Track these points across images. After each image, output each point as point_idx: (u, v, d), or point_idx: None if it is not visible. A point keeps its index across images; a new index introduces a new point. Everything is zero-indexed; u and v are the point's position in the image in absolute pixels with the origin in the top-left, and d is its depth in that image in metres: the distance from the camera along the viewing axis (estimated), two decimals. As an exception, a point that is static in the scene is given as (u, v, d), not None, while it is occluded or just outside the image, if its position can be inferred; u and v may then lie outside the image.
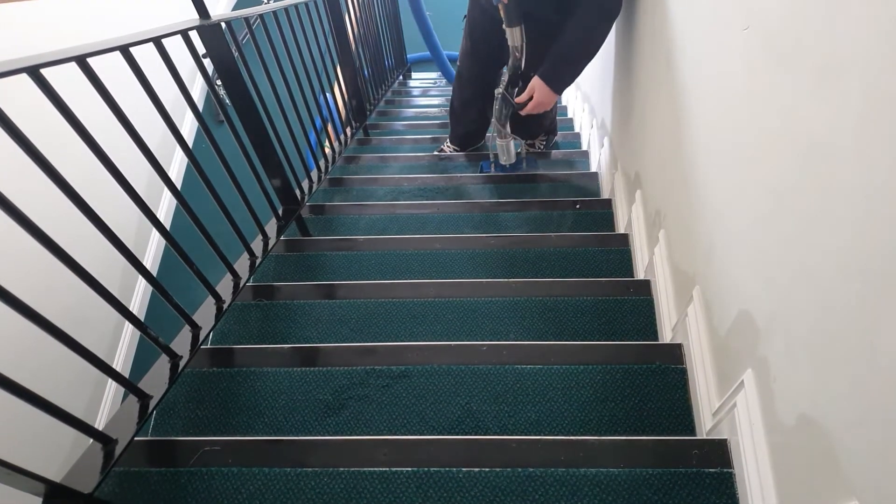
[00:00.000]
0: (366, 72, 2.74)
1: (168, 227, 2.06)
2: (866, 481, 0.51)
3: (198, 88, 3.28)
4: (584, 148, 2.41)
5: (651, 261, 1.29)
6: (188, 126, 3.07)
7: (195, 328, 1.08)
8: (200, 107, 3.26)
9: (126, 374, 1.82)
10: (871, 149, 0.50)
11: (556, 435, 0.97)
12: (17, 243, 0.79)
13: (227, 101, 1.29)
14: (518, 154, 2.03)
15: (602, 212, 1.77)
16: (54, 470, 0.75)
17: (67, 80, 0.79)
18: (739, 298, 0.81)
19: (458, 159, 2.34)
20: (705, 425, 0.92)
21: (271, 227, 1.48)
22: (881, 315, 0.49)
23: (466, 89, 2.14)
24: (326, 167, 1.95)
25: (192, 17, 1.11)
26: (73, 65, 0.77)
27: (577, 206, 1.80)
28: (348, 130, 2.42)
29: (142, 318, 2.29)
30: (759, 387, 0.75)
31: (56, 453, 1.64)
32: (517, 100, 1.69)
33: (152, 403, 0.92)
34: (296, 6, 1.68)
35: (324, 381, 1.11)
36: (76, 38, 0.84)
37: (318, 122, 1.95)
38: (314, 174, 1.82)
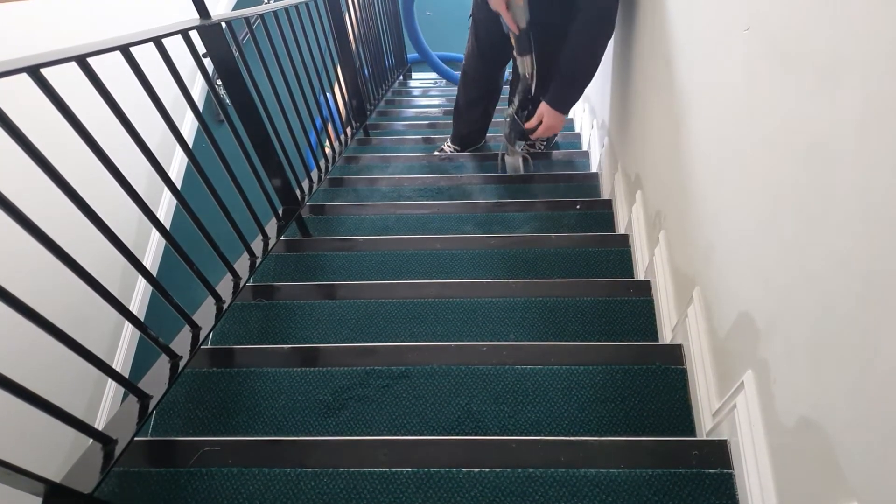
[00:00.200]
0: (366, 71, 2.74)
1: (168, 226, 2.06)
2: (866, 482, 0.51)
3: (198, 88, 3.28)
4: (585, 148, 2.41)
5: (651, 261, 1.29)
6: (188, 126, 3.07)
7: (195, 328, 1.08)
8: (200, 106, 3.26)
9: (126, 374, 1.82)
10: (873, 151, 0.50)
11: (556, 435, 0.97)
12: (17, 243, 0.79)
13: (227, 100, 1.29)
14: (525, 162, 2.08)
15: (602, 212, 1.77)
16: (54, 470, 0.75)
17: (68, 79, 0.79)
18: (740, 299, 0.81)
19: (459, 159, 2.34)
20: (705, 426, 0.92)
21: (271, 227, 1.48)
22: (881, 317, 0.49)
23: (472, 89, 2.14)
24: (327, 167, 1.95)
25: (193, 16, 1.11)
26: (74, 64, 0.77)
27: (578, 207, 1.80)
28: (348, 130, 2.42)
29: (142, 318, 2.29)
30: (759, 388, 0.75)
31: (56, 453, 1.64)
32: (528, 125, 1.73)
33: (152, 403, 0.92)
34: (296, 6, 1.68)
35: (324, 381, 1.11)
36: (76, 38, 0.84)
37: (319, 121, 1.95)
38: (314, 174, 1.82)
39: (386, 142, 2.75)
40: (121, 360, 2.20)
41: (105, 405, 2.06)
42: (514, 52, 1.62)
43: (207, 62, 1.18)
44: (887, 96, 0.48)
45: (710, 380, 0.93)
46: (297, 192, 1.62)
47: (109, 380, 0.91)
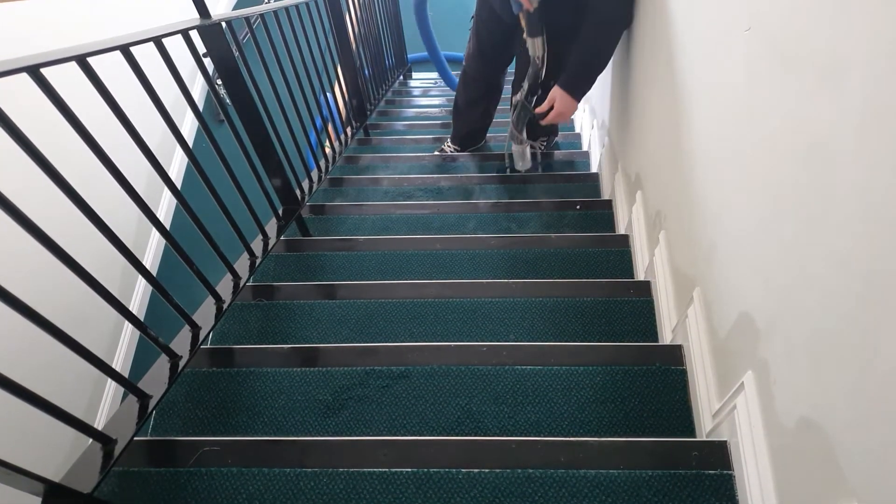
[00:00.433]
0: (366, 71, 2.74)
1: (168, 226, 2.06)
2: (867, 483, 0.51)
3: (198, 88, 3.28)
4: (585, 148, 2.42)
5: (651, 262, 1.29)
6: (188, 125, 3.07)
7: (195, 328, 1.08)
8: (201, 106, 3.26)
9: (126, 374, 1.82)
10: (873, 150, 0.50)
11: (556, 436, 0.97)
12: (16, 242, 0.79)
13: (228, 100, 1.29)
14: (534, 156, 2.04)
15: (602, 212, 1.77)
16: (53, 469, 0.74)
17: (68, 79, 0.79)
18: (740, 300, 0.81)
19: (459, 159, 2.34)
20: (705, 427, 0.92)
21: (271, 227, 1.48)
22: (881, 317, 0.49)
23: (472, 89, 2.14)
24: (327, 167, 1.95)
25: (193, 16, 1.11)
26: (74, 64, 0.77)
27: (578, 207, 1.80)
28: (349, 130, 2.42)
29: (142, 317, 2.29)
30: (760, 388, 0.75)
31: (55, 453, 1.64)
32: (538, 109, 1.69)
33: (152, 403, 0.92)
34: (296, 6, 1.68)
35: (324, 381, 1.11)
36: (76, 38, 0.83)
37: (319, 121, 1.95)
38: (314, 174, 1.82)
39: (386, 142, 2.75)
40: (121, 360, 2.20)
41: (105, 405, 2.06)
42: (525, 35, 1.60)
43: (207, 62, 1.18)
44: (887, 96, 0.48)
45: (710, 380, 0.93)
46: (297, 191, 1.62)
47: (109, 379, 0.91)
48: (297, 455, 0.92)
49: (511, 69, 2.05)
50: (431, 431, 1.03)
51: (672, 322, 1.14)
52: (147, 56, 0.93)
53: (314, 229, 1.76)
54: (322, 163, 1.91)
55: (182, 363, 1.01)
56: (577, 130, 2.71)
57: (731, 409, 0.82)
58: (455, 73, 3.56)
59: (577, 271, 1.48)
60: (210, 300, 1.17)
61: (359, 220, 1.83)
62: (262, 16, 1.39)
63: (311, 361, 1.15)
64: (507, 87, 2.18)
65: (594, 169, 2.17)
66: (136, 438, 0.88)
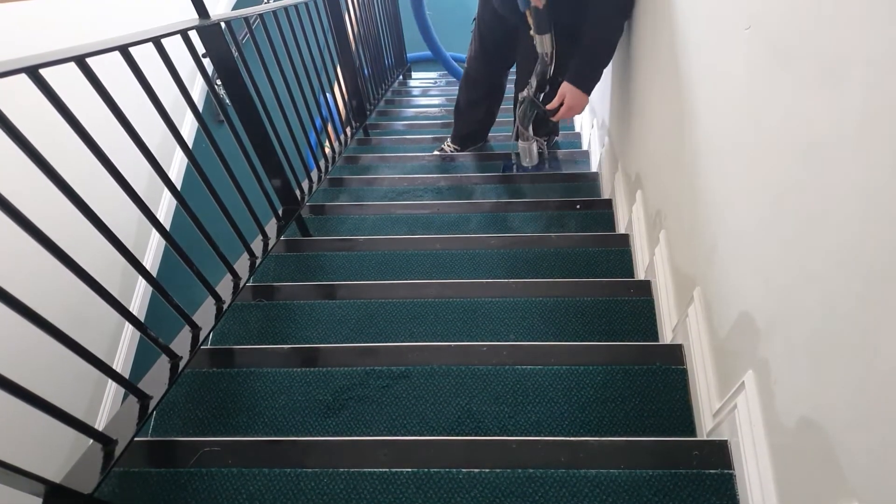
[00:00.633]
0: (366, 71, 2.74)
1: (168, 227, 2.06)
2: (867, 482, 0.51)
3: (198, 88, 3.28)
4: (585, 148, 2.41)
5: (651, 261, 1.29)
6: (188, 126, 3.07)
7: (195, 328, 1.08)
8: (200, 107, 3.26)
9: (126, 375, 1.82)
10: (873, 149, 0.50)
11: (557, 436, 0.97)
12: (16, 244, 0.79)
13: (227, 101, 1.29)
14: (540, 154, 2.02)
15: (602, 212, 1.77)
16: (54, 470, 0.74)
17: (67, 80, 0.79)
18: (740, 299, 0.81)
19: (459, 159, 2.34)
20: (706, 426, 0.92)
21: (271, 228, 1.48)
22: (881, 317, 0.49)
23: (474, 90, 2.14)
24: (326, 167, 1.95)
25: (192, 16, 1.11)
26: (73, 65, 0.77)
27: (578, 207, 1.80)
28: (348, 130, 2.42)
29: (142, 318, 2.30)
30: (760, 388, 0.75)
31: (56, 454, 1.64)
32: (549, 106, 1.68)
33: (152, 404, 0.92)
34: (295, 6, 1.68)
35: (324, 381, 1.11)
36: (76, 38, 0.83)
37: (318, 121, 1.95)
38: (314, 174, 1.82)
39: (386, 141, 2.75)
40: (121, 361, 2.20)
41: (105, 406, 2.06)
42: (532, 31, 1.60)
43: (207, 62, 1.18)
44: (887, 95, 0.48)
45: (710, 380, 0.93)
46: (297, 192, 1.62)
47: (110, 380, 0.91)
48: (297, 455, 0.92)
49: (512, 69, 2.05)
50: (432, 431, 1.03)
51: (672, 321, 1.14)
52: (146, 57, 0.93)
53: (314, 229, 1.76)
54: (322, 163, 1.91)
55: (182, 364, 1.01)
56: (577, 130, 2.71)
57: (731, 409, 0.82)
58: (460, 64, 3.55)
59: (578, 271, 1.48)
60: (210, 300, 1.17)
61: (359, 220, 1.83)
62: (261, 16, 1.39)
63: (312, 361, 1.15)
64: (510, 87, 2.18)
65: (594, 168, 2.16)
66: (136, 439, 0.88)
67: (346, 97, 2.43)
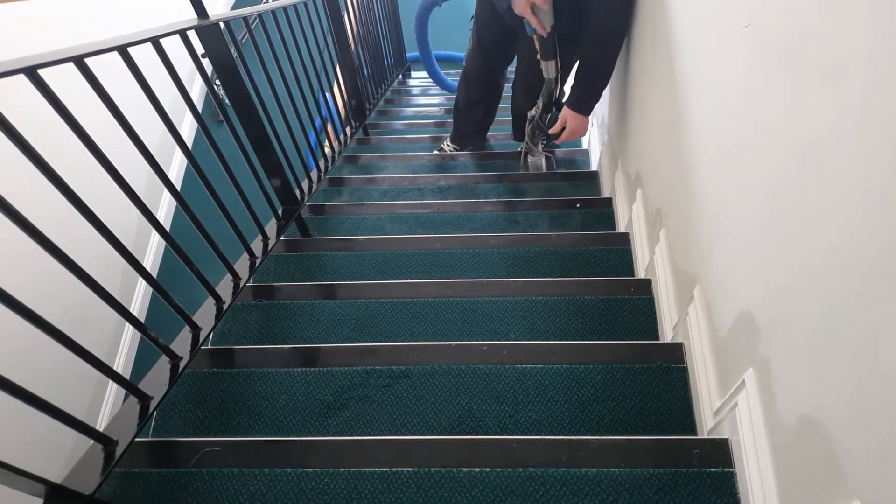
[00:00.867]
0: (365, 71, 2.74)
1: (168, 227, 2.06)
2: (868, 482, 0.51)
3: (197, 89, 3.28)
4: (585, 147, 2.41)
5: (652, 260, 1.29)
6: (187, 126, 3.07)
7: (195, 329, 1.08)
8: (200, 107, 3.26)
9: (127, 375, 1.82)
10: (873, 148, 0.50)
11: (557, 434, 0.97)
12: (16, 245, 0.79)
13: (227, 101, 1.28)
14: (548, 161, 2.11)
15: (602, 210, 1.77)
16: (55, 471, 0.74)
17: (66, 80, 0.79)
18: (740, 298, 0.81)
19: (459, 158, 2.34)
20: (706, 425, 0.92)
21: (271, 228, 1.48)
22: (881, 316, 0.49)
23: (473, 90, 2.14)
24: (326, 167, 1.95)
25: (191, 16, 1.11)
26: (72, 65, 0.77)
27: (578, 206, 1.80)
28: (348, 130, 2.42)
29: (142, 318, 2.30)
30: (761, 386, 0.75)
31: (57, 454, 1.64)
32: (552, 131, 1.74)
33: (153, 404, 0.92)
34: (294, 6, 1.68)
35: (324, 381, 1.11)
36: (76, 38, 0.83)
37: (318, 121, 1.95)
38: (314, 174, 1.82)
39: (385, 141, 2.75)
40: (122, 362, 2.20)
41: (106, 406, 2.06)
42: (539, 56, 1.63)
43: (206, 62, 1.18)
44: (887, 95, 0.48)
45: (711, 378, 0.93)
46: (297, 191, 1.62)
47: (111, 381, 0.91)
48: (298, 455, 0.92)
49: (511, 69, 2.05)
50: (432, 431, 1.03)
51: (673, 320, 1.14)
52: (145, 57, 0.92)
53: (314, 229, 1.76)
54: (321, 163, 1.91)
55: (183, 364, 1.01)
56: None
57: (732, 407, 0.82)
58: (452, 77, 3.57)
59: (578, 270, 1.48)
60: (210, 301, 1.17)
61: (358, 219, 1.83)
62: (260, 16, 1.39)
63: (312, 361, 1.15)
64: (507, 87, 2.18)
65: (594, 167, 2.16)
66: (137, 439, 0.88)
67: (345, 97, 2.43)
